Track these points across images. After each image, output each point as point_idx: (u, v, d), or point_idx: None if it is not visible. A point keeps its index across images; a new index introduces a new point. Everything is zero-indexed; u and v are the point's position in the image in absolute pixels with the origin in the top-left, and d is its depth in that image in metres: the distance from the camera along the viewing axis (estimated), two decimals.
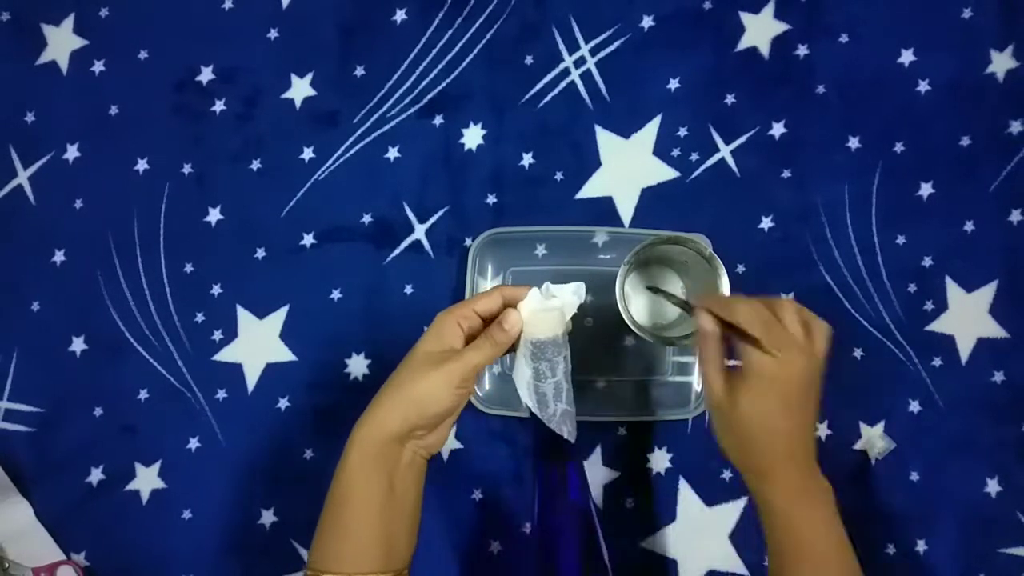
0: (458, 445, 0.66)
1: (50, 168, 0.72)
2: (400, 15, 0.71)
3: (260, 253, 0.69)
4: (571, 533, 0.50)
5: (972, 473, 0.63)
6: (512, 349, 0.52)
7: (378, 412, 0.48)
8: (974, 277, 0.65)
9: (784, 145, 0.68)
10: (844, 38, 0.68)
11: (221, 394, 0.68)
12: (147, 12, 0.73)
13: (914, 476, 0.64)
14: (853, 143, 0.67)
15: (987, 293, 0.65)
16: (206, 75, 0.72)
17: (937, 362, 0.65)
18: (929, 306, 0.65)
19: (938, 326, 0.65)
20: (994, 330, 0.65)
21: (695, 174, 0.68)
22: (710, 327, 0.49)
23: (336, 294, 0.69)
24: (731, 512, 0.64)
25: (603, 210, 0.68)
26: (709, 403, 0.50)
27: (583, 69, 0.70)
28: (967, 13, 0.68)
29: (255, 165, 0.71)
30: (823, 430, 0.64)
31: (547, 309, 0.51)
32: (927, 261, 0.66)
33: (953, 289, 0.65)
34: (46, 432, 0.68)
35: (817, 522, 0.48)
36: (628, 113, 0.69)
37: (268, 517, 0.66)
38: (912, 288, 0.65)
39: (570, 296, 0.52)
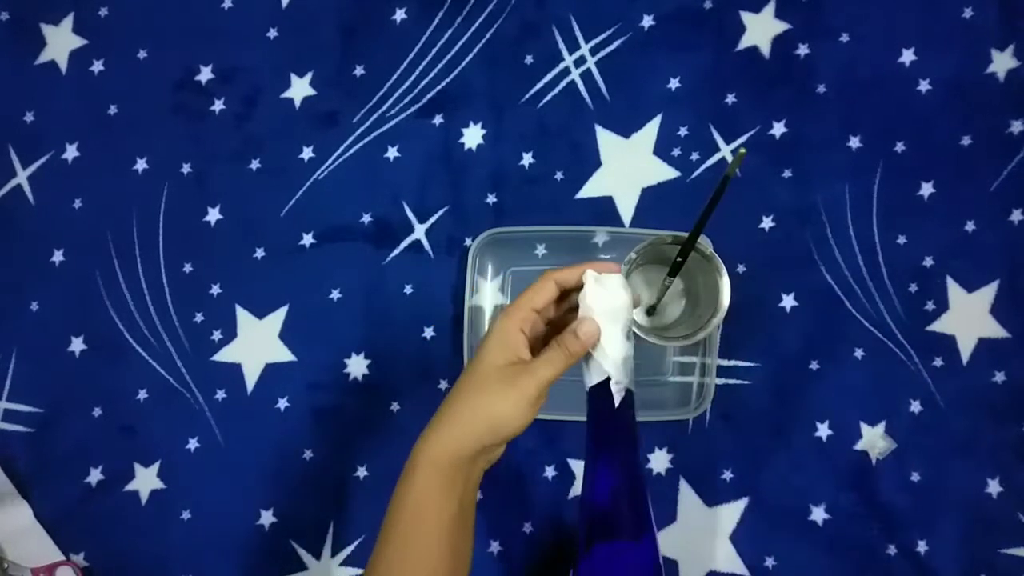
0: None
1: (49, 168, 0.72)
2: (400, 15, 0.71)
3: (259, 253, 0.69)
4: (596, 527, 0.48)
5: (973, 473, 0.63)
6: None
7: (449, 431, 0.45)
8: (975, 277, 0.65)
9: (785, 145, 0.68)
10: (845, 37, 0.68)
11: (220, 394, 0.68)
12: (146, 12, 0.73)
13: (915, 476, 0.63)
14: (854, 143, 0.67)
15: (988, 293, 0.65)
16: (205, 75, 0.72)
17: (938, 362, 0.65)
18: (930, 306, 0.65)
19: (939, 326, 0.65)
20: (995, 330, 0.64)
21: (695, 174, 0.68)
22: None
23: (336, 294, 0.68)
24: (732, 512, 0.64)
25: (603, 210, 0.68)
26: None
27: (583, 68, 0.70)
28: (968, 13, 0.68)
29: (254, 165, 0.70)
30: (824, 430, 0.64)
31: (610, 288, 0.47)
32: (928, 261, 0.66)
33: (954, 289, 0.65)
34: (45, 432, 0.68)
35: None
36: (628, 113, 0.69)
37: (267, 517, 0.66)
38: (913, 288, 0.65)
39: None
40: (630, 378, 0.49)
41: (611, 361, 0.47)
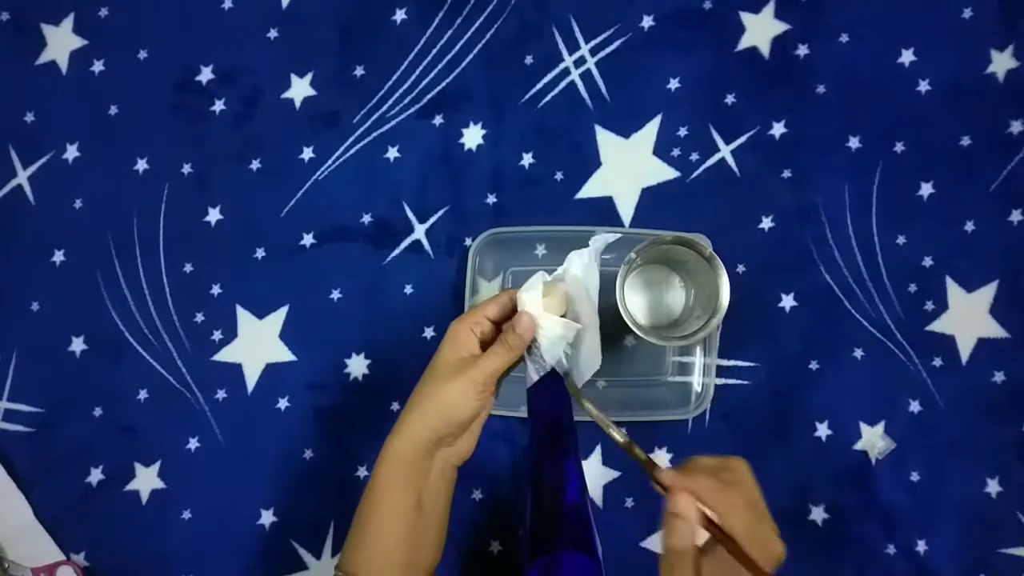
0: None
1: (50, 168, 0.72)
2: (400, 15, 0.71)
3: (260, 253, 0.69)
4: (568, 534, 0.49)
5: (972, 473, 0.63)
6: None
7: (406, 426, 0.49)
8: (974, 277, 0.65)
9: (784, 145, 0.68)
10: (844, 38, 0.68)
11: (221, 394, 0.68)
12: (147, 12, 0.73)
13: (914, 476, 0.64)
14: (853, 143, 0.67)
15: (987, 293, 0.65)
16: (206, 75, 0.72)
17: (937, 362, 0.65)
18: (929, 306, 0.65)
19: (938, 326, 0.65)
20: (994, 330, 0.65)
21: (695, 174, 0.68)
22: (692, 513, 0.44)
23: (336, 294, 0.68)
24: None
25: (603, 210, 0.68)
26: None
27: (583, 69, 0.70)
28: (967, 13, 0.68)
29: (255, 165, 0.71)
30: (823, 430, 0.64)
31: (553, 294, 0.51)
32: (927, 261, 0.66)
33: (953, 289, 0.65)
34: (46, 432, 0.68)
35: None
36: (628, 113, 0.69)
37: (267, 517, 0.66)
38: (912, 288, 0.65)
39: (575, 267, 0.52)
40: (575, 367, 0.52)
41: (549, 354, 0.51)
